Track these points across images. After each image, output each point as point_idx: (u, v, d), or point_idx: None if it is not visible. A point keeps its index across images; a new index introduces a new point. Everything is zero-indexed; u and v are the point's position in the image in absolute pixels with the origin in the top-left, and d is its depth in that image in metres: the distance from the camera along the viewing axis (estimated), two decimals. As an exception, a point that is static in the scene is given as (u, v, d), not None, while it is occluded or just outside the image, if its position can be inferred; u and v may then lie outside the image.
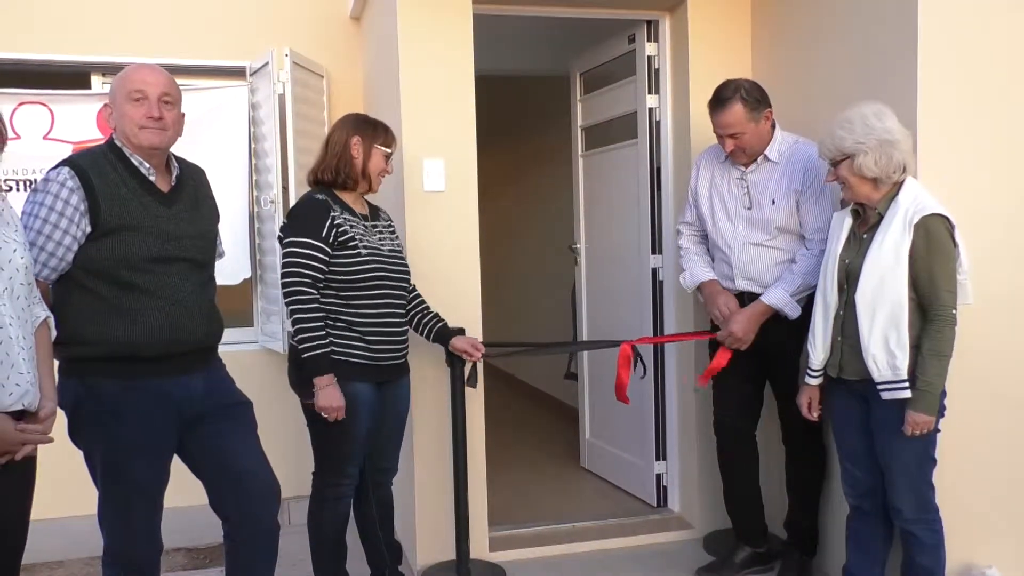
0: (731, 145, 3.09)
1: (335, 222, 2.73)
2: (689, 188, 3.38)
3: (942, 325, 2.49)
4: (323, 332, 2.70)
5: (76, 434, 2.36)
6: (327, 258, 2.71)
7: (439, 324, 3.06)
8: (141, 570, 2.43)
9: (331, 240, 2.71)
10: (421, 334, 3.07)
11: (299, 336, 2.70)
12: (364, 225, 2.84)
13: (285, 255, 2.74)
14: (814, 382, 2.80)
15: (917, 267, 2.51)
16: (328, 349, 2.70)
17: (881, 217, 2.61)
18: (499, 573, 3.36)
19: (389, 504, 3.07)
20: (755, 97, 3.06)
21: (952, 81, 2.83)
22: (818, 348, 2.75)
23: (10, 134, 4.04)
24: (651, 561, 3.53)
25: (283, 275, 2.73)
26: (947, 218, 2.52)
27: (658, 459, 4.04)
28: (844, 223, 2.73)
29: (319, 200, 2.77)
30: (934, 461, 2.64)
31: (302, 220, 2.75)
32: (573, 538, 3.71)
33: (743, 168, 3.19)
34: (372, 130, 2.86)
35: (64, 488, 2.98)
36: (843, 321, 2.68)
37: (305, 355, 2.68)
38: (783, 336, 3.10)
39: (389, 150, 2.89)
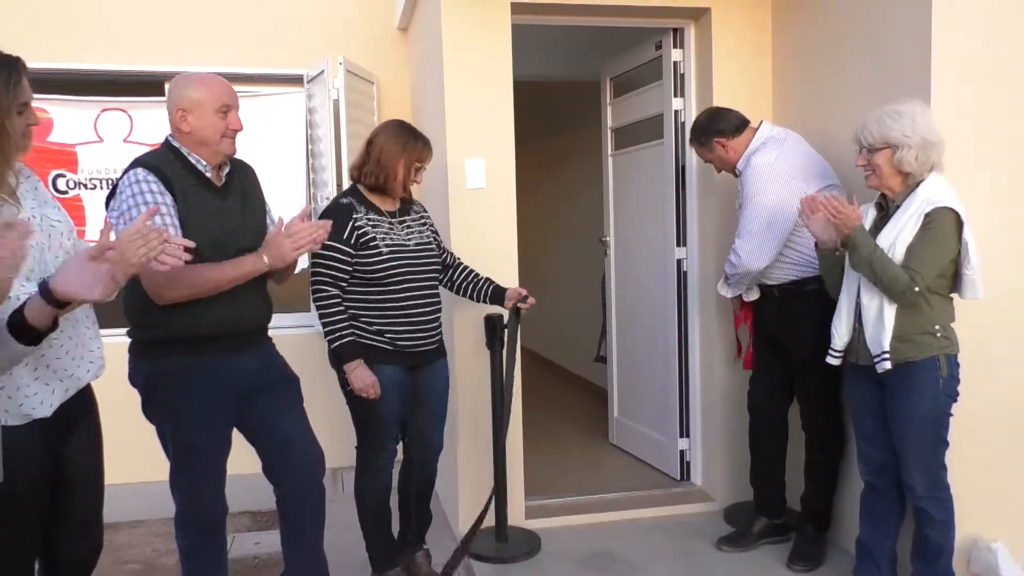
0: (715, 167, 3.31)
1: (356, 224, 2.74)
2: None
3: (900, 275, 2.41)
4: (345, 323, 2.73)
5: (148, 409, 2.39)
6: (349, 258, 2.73)
7: (491, 286, 3.05)
8: (209, 530, 2.47)
9: (353, 241, 2.73)
10: (479, 300, 3.06)
11: (324, 329, 2.74)
12: (389, 223, 2.82)
13: (312, 256, 2.74)
14: (835, 362, 2.72)
15: (910, 244, 2.44)
16: (351, 338, 2.73)
17: (897, 208, 2.54)
18: (534, 539, 3.35)
19: (431, 480, 3.07)
20: (699, 136, 3.21)
21: (966, 86, 2.73)
22: (841, 331, 2.67)
23: (93, 137, 4.15)
24: (674, 530, 3.50)
25: (310, 274, 2.77)
26: (957, 213, 2.44)
27: (682, 436, 3.99)
28: (868, 215, 2.65)
29: (343, 204, 2.78)
30: (946, 443, 2.56)
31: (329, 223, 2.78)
32: (602, 508, 3.69)
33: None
34: (414, 146, 2.81)
35: (142, 456, 3.03)
36: (859, 308, 2.61)
37: (332, 346, 2.73)
38: (803, 329, 3.04)
39: (425, 165, 2.87)
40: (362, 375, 2.70)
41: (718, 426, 3.74)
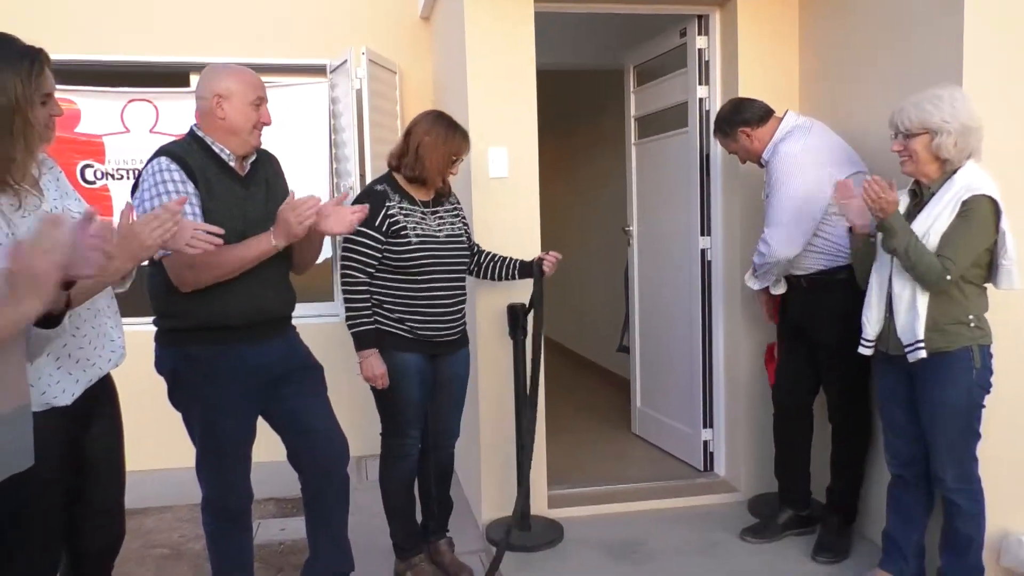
0: (739, 158, 3.27)
1: (389, 212, 2.74)
2: None
3: (935, 264, 2.36)
4: (368, 311, 2.73)
5: (175, 397, 2.41)
6: (379, 245, 2.73)
7: (517, 262, 3.05)
8: (234, 516, 2.49)
9: (384, 229, 2.73)
10: (508, 277, 3.06)
11: (347, 314, 2.75)
12: (422, 213, 2.81)
13: (343, 240, 2.76)
14: (868, 352, 2.66)
15: (945, 232, 2.39)
16: (372, 327, 2.73)
17: (933, 195, 2.48)
18: (557, 528, 3.34)
19: (447, 465, 3.07)
20: (724, 127, 3.18)
21: (996, 72, 2.66)
22: (872, 321, 2.61)
23: (120, 128, 4.18)
24: (698, 521, 3.47)
25: (340, 259, 2.78)
26: (995, 201, 2.38)
27: (705, 426, 3.96)
28: (901, 202, 2.58)
29: (377, 191, 2.79)
30: (978, 435, 2.51)
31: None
32: (624, 498, 3.67)
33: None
34: (452, 138, 2.79)
35: (169, 443, 3.06)
36: (890, 297, 2.56)
37: (351, 331, 2.73)
38: (830, 319, 3.00)
39: (463, 157, 2.87)
40: (373, 364, 2.71)
41: (742, 416, 3.70)
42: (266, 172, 2.49)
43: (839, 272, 2.97)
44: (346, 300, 2.75)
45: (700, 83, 3.82)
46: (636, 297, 4.60)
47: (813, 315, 3.07)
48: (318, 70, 4.33)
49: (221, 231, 1.96)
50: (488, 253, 3.10)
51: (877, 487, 3.04)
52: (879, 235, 2.52)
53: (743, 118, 3.11)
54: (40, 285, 1.34)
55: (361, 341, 2.73)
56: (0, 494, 1.40)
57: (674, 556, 3.15)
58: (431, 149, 2.76)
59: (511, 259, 3.07)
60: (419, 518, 3.08)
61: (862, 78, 3.17)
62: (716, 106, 3.76)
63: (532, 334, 3.20)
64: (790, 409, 3.26)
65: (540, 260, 3.04)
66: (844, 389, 3.08)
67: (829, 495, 3.20)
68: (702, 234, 3.89)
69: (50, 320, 1.50)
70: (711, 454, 3.97)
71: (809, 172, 2.94)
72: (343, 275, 2.75)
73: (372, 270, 2.75)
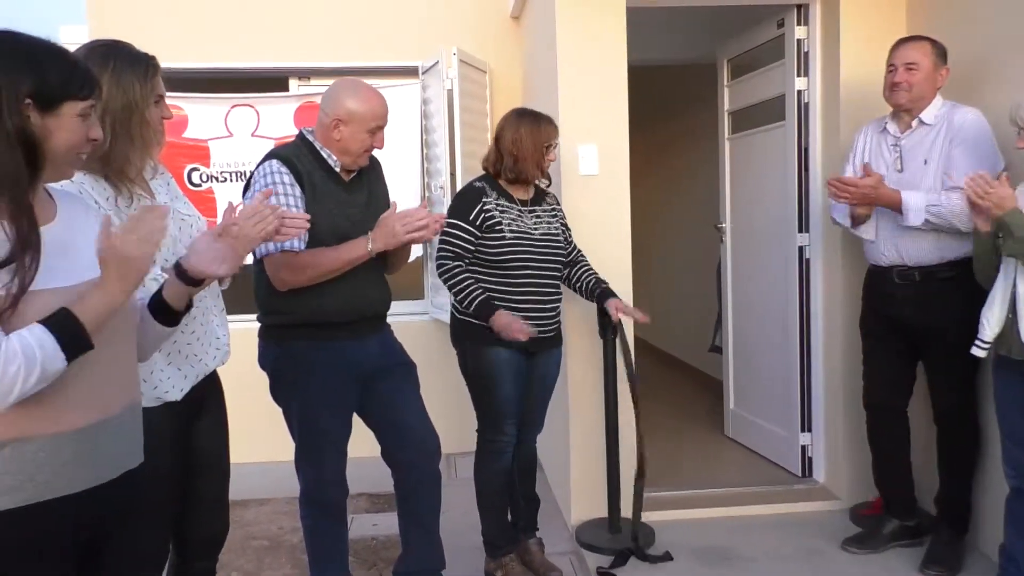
0: (901, 75, 2.86)
1: (485, 207, 2.75)
2: (850, 153, 3.16)
3: None
4: (472, 283, 2.73)
5: (276, 392, 2.48)
6: (473, 238, 2.74)
7: (598, 287, 2.99)
8: (331, 509, 2.54)
9: (479, 223, 2.74)
10: (582, 294, 3.04)
11: (457, 296, 2.75)
12: (519, 210, 2.82)
13: (440, 232, 2.76)
14: (981, 354, 2.50)
15: None
16: (483, 294, 2.72)
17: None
18: (648, 532, 3.27)
19: (531, 460, 3.06)
20: (943, 51, 2.88)
21: None
22: (992, 322, 2.44)
23: (224, 132, 4.34)
24: (796, 529, 3.33)
25: (436, 252, 2.81)
26: None
27: (803, 431, 3.80)
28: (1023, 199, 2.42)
29: (475, 187, 2.82)
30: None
31: (457, 204, 2.84)
32: (718, 503, 3.56)
33: (898, 134, 2.96)
34: (538, 128, 2.80)
35: (269, 438, 3.15)
36: (1014, 298, 2.38)
37: (469, 308, 2.72)
38: (944, 318, 2.83)
39: (553, 143, 2.84)
40: (505, 320, 2.68)
41: (842, 421, 3.53)
42: (368, 176, 2.54)
43: (955, 266, 2.81)
44: (451, 286, 2.75)
45: (799, 75, 3.67)
46: (729, 295, 4.46)
47: (925, 310, 2.88)
48: (411, 72, 4.38)
49: (308, 216, 2.01)
50: (579, 267, 3.04)
51: (993, 498, 2.84)
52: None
53: (946, 65, 2.91)
54: (129, 272, 1.36)
55: (482, 310, 2.71)
56: (111, 489, 1.44)
57: (770, 564, 3.04)
58: (524, 146, 2.77)
59: (595, 282, 3.00)
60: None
61: (979, 73, 2.97)
62: (815, 98, 3.61)
63: (607, 379, 3.15)
64: (887, 412, 3.09)
65: (612, 313, 2.95)
66: (956, 392, 2.90)
67: (939, 505, 3.01)
68: (800, 231, 3.74)
69: (173, 317, 1.55)
70: (809, 459, 3.81)
71: (991, 143, 2.77)
72: (439, 265, 2.77)
73: (466, 262, 2.76)
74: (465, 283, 2.73)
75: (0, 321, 1.26)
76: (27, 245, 1.28)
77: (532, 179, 2.83)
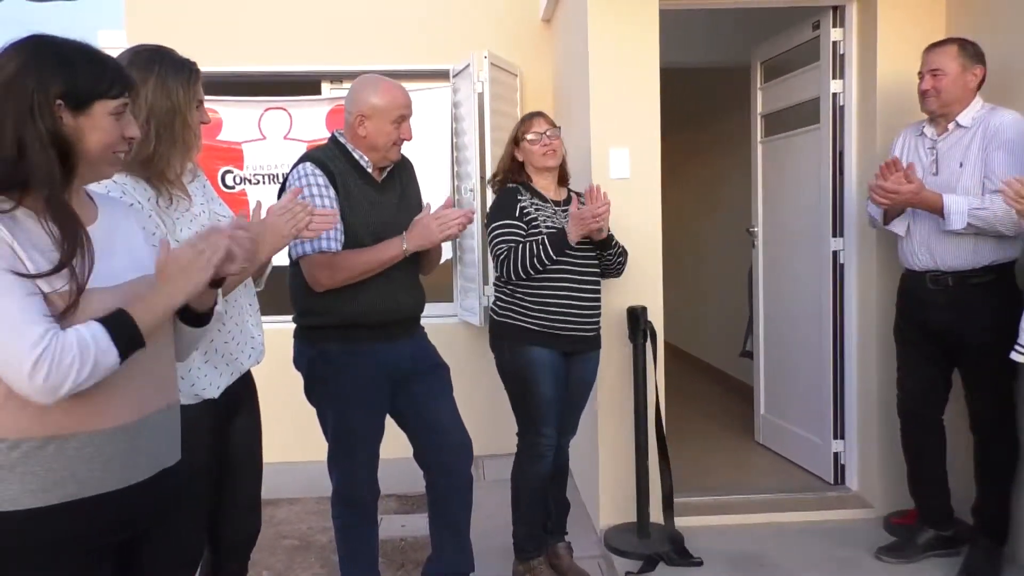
0: (927, 83, 2.85)
1: (522, 204, 2.78)
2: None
3: None
4: (527, 243, 2.69)
5: (310, 392, 2.50)
6: (524, 232, 2.75)
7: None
8: (362, 510, 2.55)
9: (522, 219, 2.76)
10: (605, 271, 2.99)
11: (530, 263, 2.68)
12: (553, 209, 2.84)
13: (492, 239, 2.79)
14: (1020, 359, 2.44)
15: None
16: (541, 237, 2.70)
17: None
18: (677, 537, 3.24)
19: (563, 464, 3.05)
20: (974, 50, 2.83)
21: None
22: None
23: (257, 135, 4.39)
24: (828, 537, 3.29)
25: (494, 256, 2.78)
26: None
27: (836, 437, 3.75)
28: None
29: (510, 188, 2.86)
30: None
31: (499, 207, 2.84)
32: (748, 509, 3.52)
33: (935, 137, 2.91)
34: (520, 128, 2.86)
35: (302, 438, 3.18)
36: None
37: (546, 252, 2.67)
38: (979, 323, 2.77)
39: (542, 130, 2.81)
40: (574, 226, 2.65)
41: (876, 428, 3.48)
42: (401, 177, 2.56)
43: (991, 271, 2.76)
44: (514, 265, 2.70)
45: (834, 77, 3.62)
46: (760, 300, 4.42)
47: (961, 315, 2.83)
48: (442, 75, 4.40)
49: (336, 212, 2.04)
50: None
51: (1033, 510, 2.78)
52: None
53: (983, 64, 2.85)
54: (188, 277, 1.40)
55: (553, 240, 2.67)
56: (150, 487, 1.46)
57: (801, 572, 2.99)
58: (519, 149, 2.85)
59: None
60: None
61: (1017, 72, 2.91)
62: (851, 101, 3.56)
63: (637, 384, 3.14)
64: (922, 420, 3.04)
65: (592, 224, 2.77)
66: (994, 398, 2.84)
67: (976, 514, 2.95)
68: (834, 235, 3.69)
69: (200, 319, 1.56)
70: (842, 467, 3.75)
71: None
72: (502, 262, 2.72)
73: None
74: (523, 249, 2.69)
75: (61, 319, 1.30)
76: (76, 244, 1.31)
77: (545, 169, 2.84)
